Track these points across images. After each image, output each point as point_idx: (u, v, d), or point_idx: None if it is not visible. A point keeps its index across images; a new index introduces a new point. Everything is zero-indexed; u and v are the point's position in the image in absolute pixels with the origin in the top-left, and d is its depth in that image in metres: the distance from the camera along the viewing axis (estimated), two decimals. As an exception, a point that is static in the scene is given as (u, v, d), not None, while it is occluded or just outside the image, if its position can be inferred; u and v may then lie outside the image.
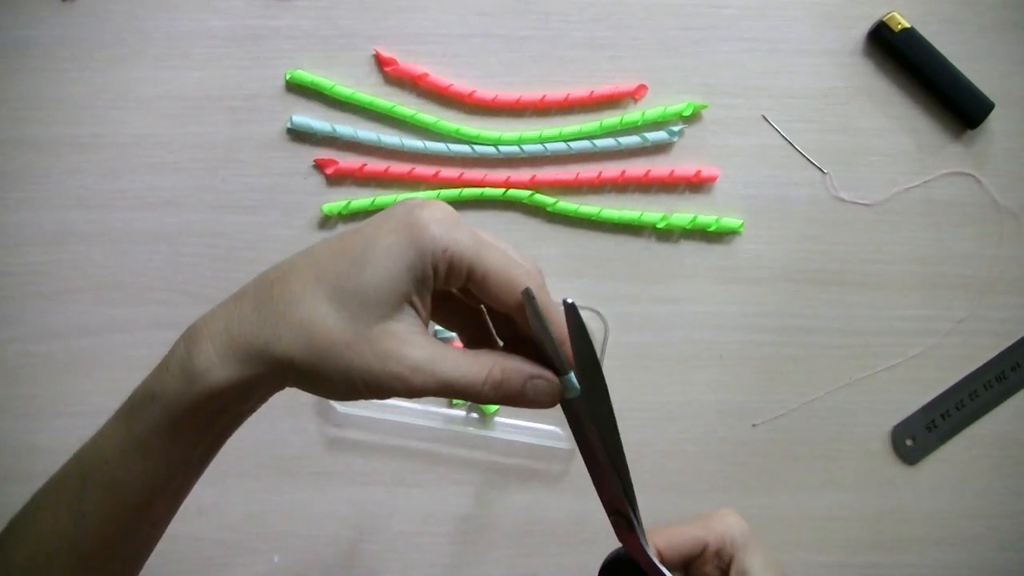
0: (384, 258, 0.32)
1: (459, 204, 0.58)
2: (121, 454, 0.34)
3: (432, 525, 0.57)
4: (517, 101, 0.57)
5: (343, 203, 0.57)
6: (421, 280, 0.32)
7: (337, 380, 0.32)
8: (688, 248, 0.58)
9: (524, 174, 0.58)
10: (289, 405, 0.57)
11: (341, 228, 0.57)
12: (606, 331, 0.55)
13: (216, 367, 0.32)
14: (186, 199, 0.57)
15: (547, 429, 0.57)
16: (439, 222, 0.32)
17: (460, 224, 0.33)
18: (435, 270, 0.32)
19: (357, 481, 0.56)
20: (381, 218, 0.33)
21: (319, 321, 0.31)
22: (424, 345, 0.32)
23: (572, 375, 0.34)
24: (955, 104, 0.58)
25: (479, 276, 0.33)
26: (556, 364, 0.34)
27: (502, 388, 0.33)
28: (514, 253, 0.35)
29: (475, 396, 0.33)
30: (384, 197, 0.57)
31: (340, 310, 0.31)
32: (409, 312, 0.33)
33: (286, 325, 0.32)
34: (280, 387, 0.34)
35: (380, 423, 0.56)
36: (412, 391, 0.32)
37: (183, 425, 0.33)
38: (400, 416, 0.56)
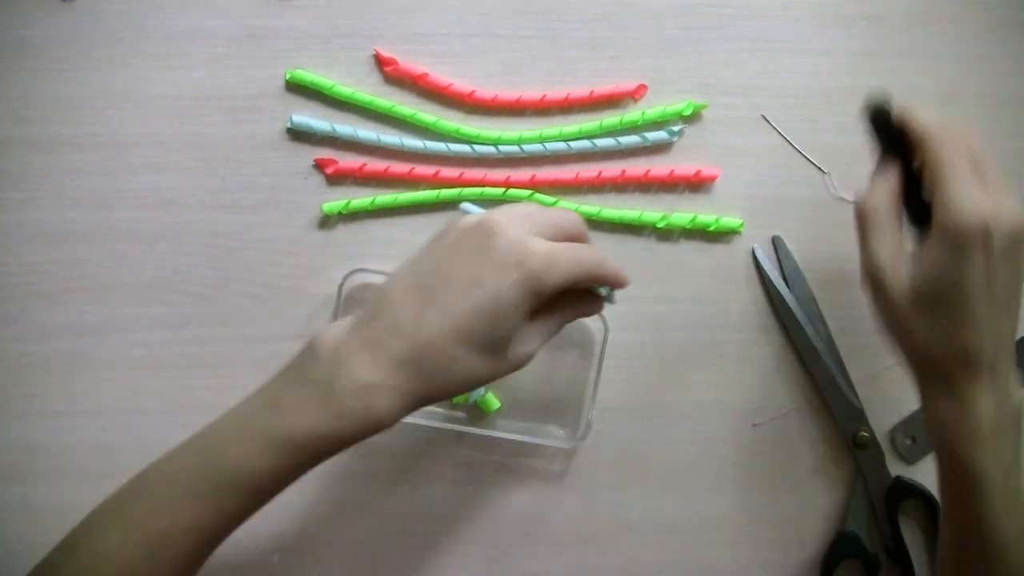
0: (513, 313, 0.41)
1: (459, 204, 0.58)
2: (273, 478, 0.40)
3: (432, 524, 0.57)
4: (517, 101, 0.57)
5: (343, 202, 0.57)
6: (534, 306, 0.42)
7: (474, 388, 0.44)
8: (688, 248, 0.58)
9: (524, 174, 0.58)
10: (289, 405, 0.57)
11: (341, 228, 0.57)
12: (606, 331, 0.55)
13: (396, 417, 0.41)
14: (186, 199, 0.57)
15: (547, 428, 0.57)
16: (545, 265, 0.41)
17: (556, 255, 0.42)
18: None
19: (357, 481, 0.56)
20: (495, 258, 0.41)
21: (477, 369, 0.41)
22: (532, 336, 0.43)
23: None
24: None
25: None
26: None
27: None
28: (573, 239, 0.45)
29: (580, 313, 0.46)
30: (384, 197, 0.57)
31: (489, 359, 0.41)
32: (523, 324, 0.42)
33: (454, 382, 0.41)
34: None
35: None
36: (531, 359, 0.43)
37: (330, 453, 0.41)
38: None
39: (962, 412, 0.43)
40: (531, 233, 0.42)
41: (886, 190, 0.46)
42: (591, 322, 0.56)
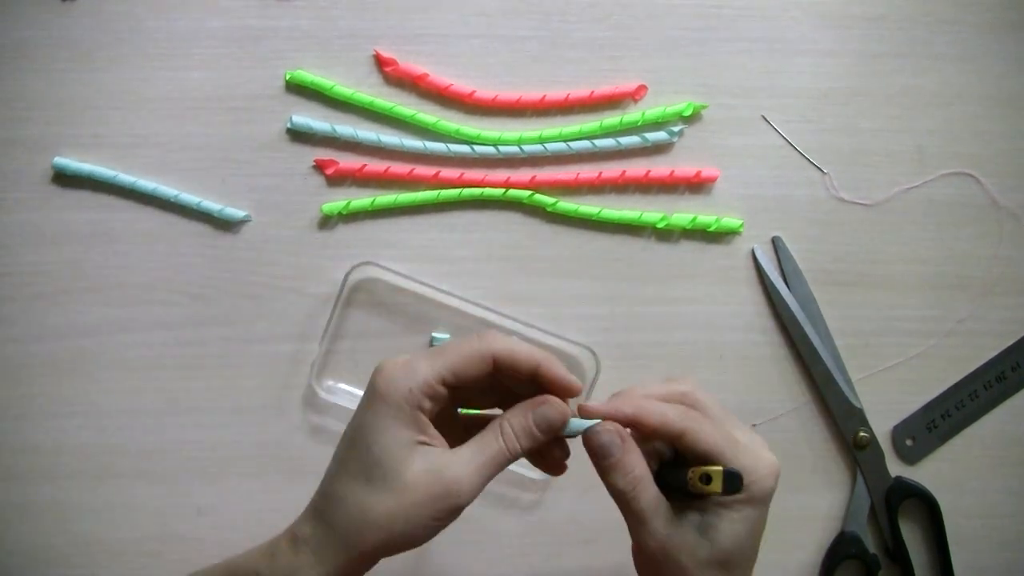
0: (376, 427, 0.38)
1: (459, 204, 0.58)
2: None
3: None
4: (517, 101, 0.57)
5: (343, 203, 0.57)
6: (414, 421, 0.39)
7: (417, 534, 0.38)
8: (688, 248, 0.58)
9: (524, 174, 0.58)
10: (288, 405, 0.57)
11: (341, 228, 0.57)
12: (597, 369, 0.55)
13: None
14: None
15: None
16: (402, 369, 0.39)
17: (416, 358, 0.39)
18: (426, 400, 0.39)
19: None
20: (361, 400, 0.40)
21: (368, 504, 0.38)
22: (454, 462, 0.39)
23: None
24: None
25: (461, 374, 0.39)
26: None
27: (519, 436, 0.40)
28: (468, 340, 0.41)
29: (510, 459, 0.40)
30: (384, 197, 0.57)
31: (376, 490, 0.38)
32: (424, 448, 0.39)
33: (354, 524, 0.38)
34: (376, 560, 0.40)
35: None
36: (465, 500, 0.39)
37: None
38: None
39: None
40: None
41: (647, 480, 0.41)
42: (583, 358, 0.56)
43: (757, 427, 0.58)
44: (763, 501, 0.40)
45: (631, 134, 0.58)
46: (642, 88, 0.58)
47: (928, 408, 0.59)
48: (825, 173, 0.59)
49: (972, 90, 0.59)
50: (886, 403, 0.59)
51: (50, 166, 0.56)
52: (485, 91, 0.57)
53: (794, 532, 0.58)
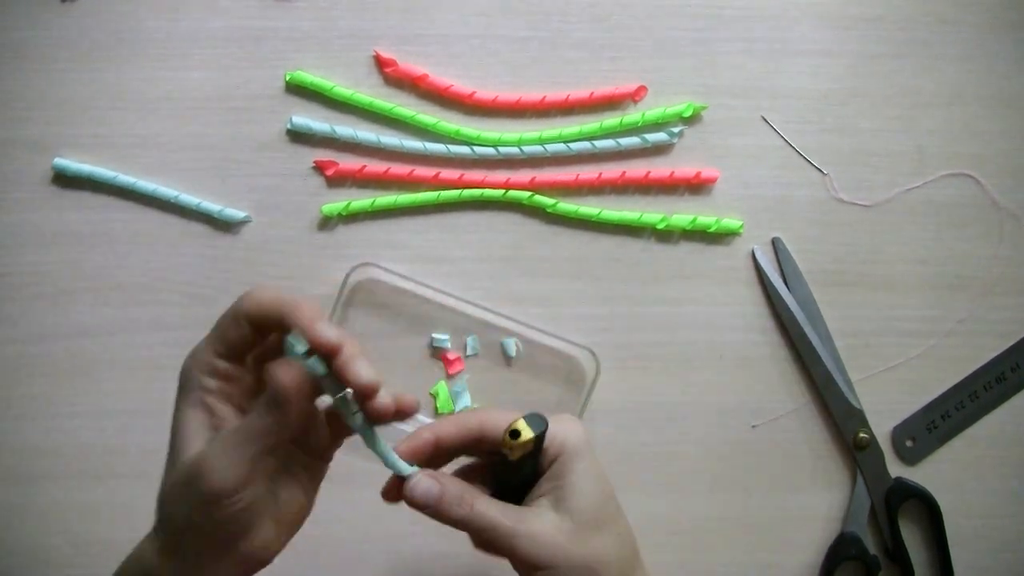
0: (175, 415, 0.38)
1: (459, 205, 0.58)
2: None
3: (431, 524, 0.57)
4: (517, 102, 0.57)
5: (343, 204, 0.57)
6: (200, 402, 0.37)
7: (186, 525, 0.36)
8: (688, 249, 0.58)
9: (524, 175, 0.58)
10: (289, 405, 0.57)
11: (341, 229, 0.57)
12: (597, 370, 0.55)
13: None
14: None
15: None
16: (189, 354, 0.38)
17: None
18: (207, 378, 0.37)
19: (357, 482, 0.56)
20: None
21: (163, 490, 0.37)
22: (211, 444, 0.36)
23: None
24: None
25: (227, 339, 0.38)
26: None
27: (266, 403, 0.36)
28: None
29: (264, 432, 0.36)
30: (384, 198, 0.57)
31: (166, 472, 0.37)
32: (209, 432, 0.37)
33: (162, 513, 0.37)
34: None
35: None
36: (217, 483, 0.35)
37: None
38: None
39: None
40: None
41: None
42: (583, 358, 0.57)
43: (757, 427, 0.58)
44: (585, 449, 0.40)
45: (631, 135, 0.58)
46: (642, 89, 0.58)
47: (928, 409, 0.59)
48: (825, 174, 0.59)
49: (972, 90, 0.59)
50: (886, 404, 0.59)
51: (50, 166, 0.56)
52: (485, 92, 0.57)
53: (794, 532, 0.58)
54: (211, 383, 0.37)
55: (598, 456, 0.41)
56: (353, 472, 0.44)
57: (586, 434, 0.41)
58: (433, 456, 0.40)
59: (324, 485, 0.41)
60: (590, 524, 0.39)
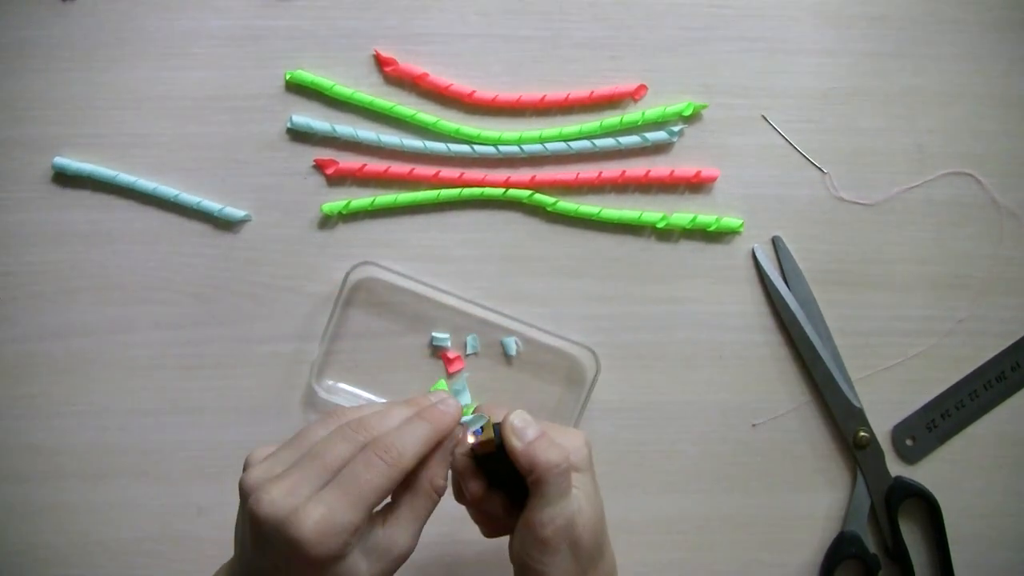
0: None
1: (459, 204, 0.58)
2: None
3: (431, 524, 0.57)
4: (517, 101, 0.57)
5: (343, 203, 0.57)
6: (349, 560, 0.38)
7: None
8: (688, 248, 0.58)
9: (524, 174, 0.58)
10: (288, 405, 0.57)
11: (341, 228, 0.57)
12: (597, 369, 0.55)
13: None
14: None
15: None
16: (313, 531, 0.36)
17: (329, 507, 0.37)
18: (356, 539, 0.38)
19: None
20: (270, 553, 0.38)
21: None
22: (390, 540, 0.39)
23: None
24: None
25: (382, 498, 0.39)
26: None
27: (435, 470, 0.41)
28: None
29: (436, 500, 0.42)
30: (384, 197, 0.57)
31: None
32: (358, 551, 0.38)
33: None
34: None
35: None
36: (407, 557, 0.40)
37: None
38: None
39: None
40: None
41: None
42: (583, 358, 0.57)
43: (757, 427, 0.58)
44: (586, 467, 0.42)
45: (631, 134, 0.58)
46: (642, 88, 0.58)
47: (928, 408, 0.59)
48: (825, 173, 0.59)
49: (973, 90, 0.59)
50: (886, 403, 0.59)
51: (50, 166, 0.56)
52: (485, 91, 0.57)
53: (794, 532, 0.58)
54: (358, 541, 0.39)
55: (598, 456, 0.41)
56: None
57: (589, 447, 0.43)
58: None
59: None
60: (591, 558, 0.42)
